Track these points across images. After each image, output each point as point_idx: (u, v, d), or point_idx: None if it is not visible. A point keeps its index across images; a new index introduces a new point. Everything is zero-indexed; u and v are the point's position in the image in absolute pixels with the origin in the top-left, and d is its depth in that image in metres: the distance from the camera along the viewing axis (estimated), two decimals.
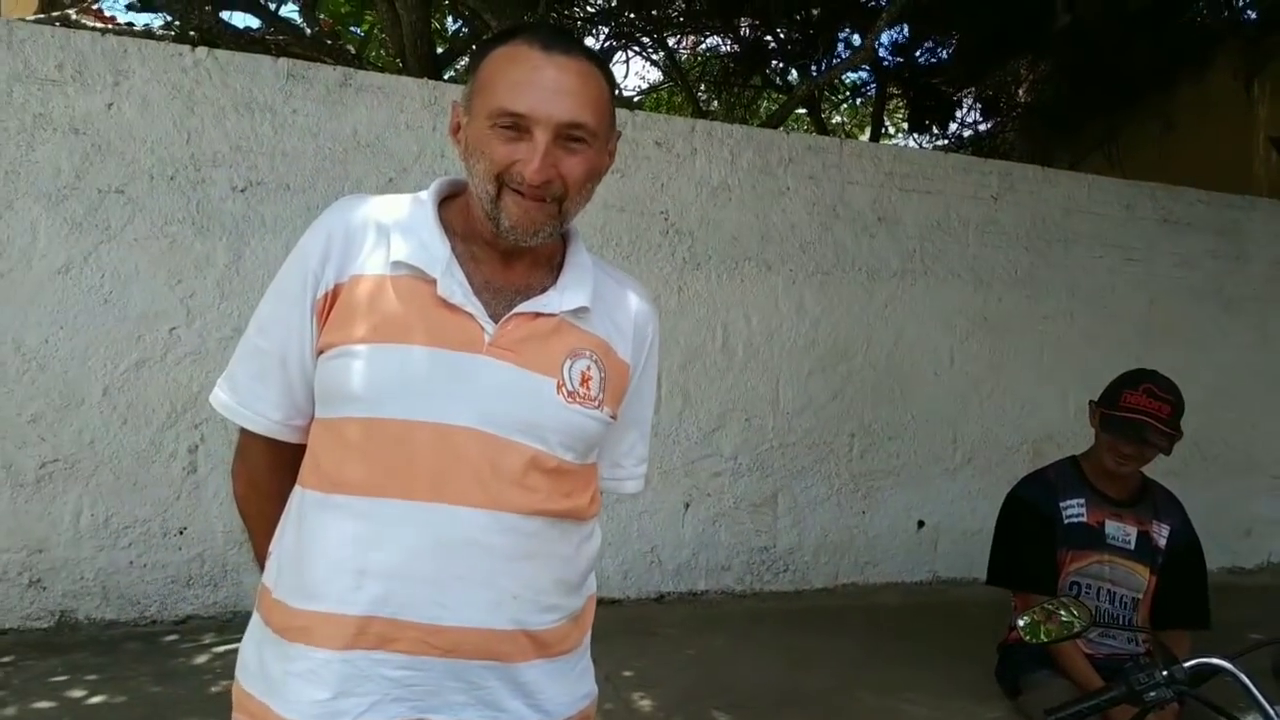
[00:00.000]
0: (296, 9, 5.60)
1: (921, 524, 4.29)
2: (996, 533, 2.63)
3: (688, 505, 3.74)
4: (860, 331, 3.98)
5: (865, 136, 8.95)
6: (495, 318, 1.16)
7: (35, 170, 2.87)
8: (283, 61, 3.16)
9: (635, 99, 6.50)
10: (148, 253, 2.95)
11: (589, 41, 5.91)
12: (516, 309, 1.17)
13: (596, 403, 1.18)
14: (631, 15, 5.41)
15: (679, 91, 6.49)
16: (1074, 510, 2.44)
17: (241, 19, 8.72)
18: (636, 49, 5.75)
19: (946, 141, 7.40)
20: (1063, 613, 1.71)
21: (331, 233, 1.21)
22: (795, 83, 6.40)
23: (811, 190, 3.87)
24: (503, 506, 1.13)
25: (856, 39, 6.16)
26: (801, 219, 3.84)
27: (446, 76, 4.44)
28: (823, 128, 6.44)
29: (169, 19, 5.02)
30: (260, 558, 1.27)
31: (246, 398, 1.24)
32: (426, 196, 1.23)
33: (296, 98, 3.12)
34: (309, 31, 5.14)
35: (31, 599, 2.86)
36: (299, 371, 1.22)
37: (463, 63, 5.32)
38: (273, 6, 5.30)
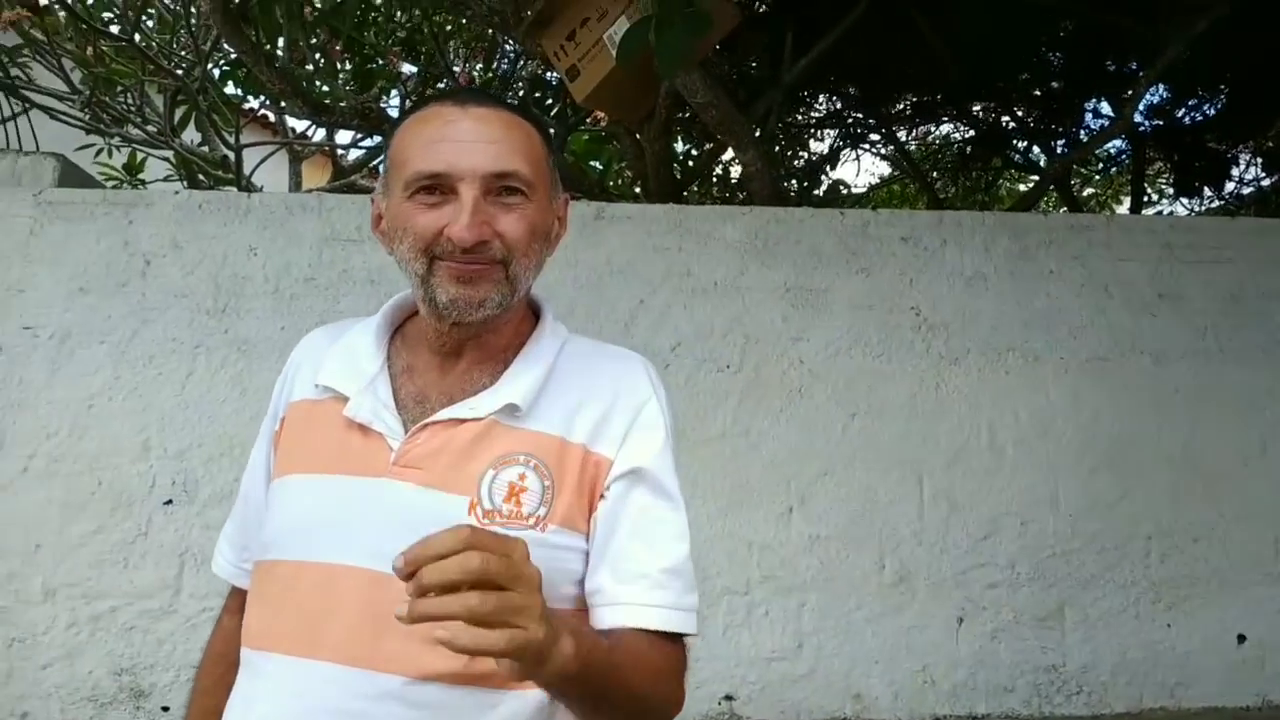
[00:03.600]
0: None
1: (1242, 639, 3.69)
2: None
3: (961, 620, 3.46)
4: (1149, 421, 3.58)
5: (1123, 208, 8.29)
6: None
7: (340, 317, 3.27)
8: None
9: (867, 194, 6.46)
10: None
11: (814, 146, 6.00)
12: (430, 418, 0.99)
13: (532, 520, 0.94)
14: (859, 115, 5.42)
15: (911, 182, 6.39)
16: None
17: None
18: (865, 146, 5.73)
19: (1223, 203, 6.68)
20: None
21: (291, 362, 1.14)
22: (1037, 160, 6.09)
23: (1078, 271, 3.61)
24: (382, 665, 0.90)
25: (1105, 106, 5.79)
26: (1069, 303, 3.57)
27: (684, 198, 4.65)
28: (1074, 203, 6.04)
29: None
30: None
31: (220, 541, 1.18)
32: (383, 309, 1.14)
33: None
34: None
35: None
36: (254, 508, 1.12)
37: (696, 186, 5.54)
38: None
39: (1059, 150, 5.77)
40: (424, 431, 0.97)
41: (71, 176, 3.23)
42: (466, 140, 0.96)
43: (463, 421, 0.97)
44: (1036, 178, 6.00)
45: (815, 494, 3.11)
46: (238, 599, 1.12)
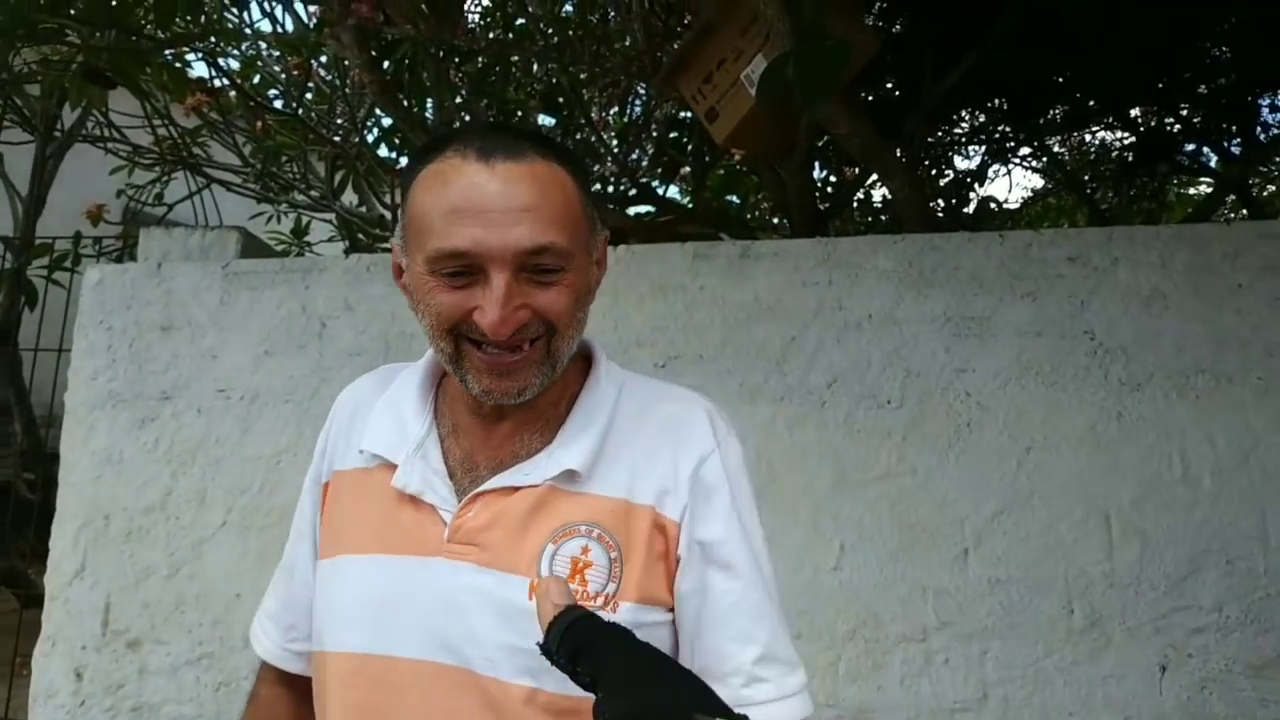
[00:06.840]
0: (678, 190, 6.18)
1: None
2: None
3: (1164, 668, 3.18)
4: None
5: None
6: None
7: None
8: (689, 245, 3.45)
9: (1020, 210, 6.16)
10: None
11: (960, 164, 5.78)
12: (481, 486, 0.91)
13: (600, 599, 0.85)
14: (1007, 129, 5.20)
15: (1068, 195, 6.05)
16: None
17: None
18: (1015, 160, 5.48)
19: None
20: None
21: (332, 420, 1.07)
22: (1208, 163, 5.65)
23: (1270, 283, 3.29)
24: None
25: None
26: (1265, 318, 3.26)
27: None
28: (1256, 208, 5.58)
29: None
30: None
31: (260, 618, 1.12)
32: (426, 358, 1.03)
33: (702, 275, 3.37)
34: (690, 207, 5.62)
35: None
36: (301, 583, 1.07)
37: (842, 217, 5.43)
38: (660, 191, 5.90)
39: (1233, 151, 5.34)
40: (476, 502, 0.90)
41: (252, 247, 3.47)
42: (495, 210, 0.82)
43: (515, 490, 0.91)
44: (1209, 182, 5.58)
45: (992, 534, 2.95)
46: (273, 670, 1.09)
